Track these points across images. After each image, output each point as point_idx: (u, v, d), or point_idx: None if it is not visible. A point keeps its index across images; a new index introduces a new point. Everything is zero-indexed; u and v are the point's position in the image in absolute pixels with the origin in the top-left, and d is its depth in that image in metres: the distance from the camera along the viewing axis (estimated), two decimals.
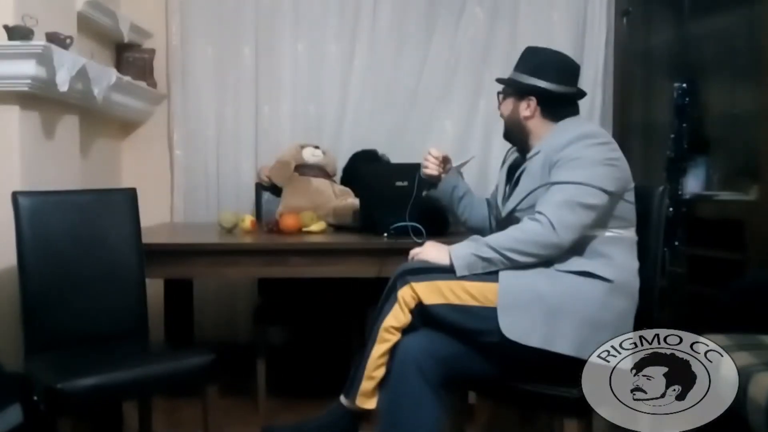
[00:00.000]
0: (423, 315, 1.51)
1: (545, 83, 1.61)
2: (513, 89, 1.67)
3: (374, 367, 1.52)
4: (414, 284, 1.51)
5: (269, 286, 2.51)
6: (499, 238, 1.51)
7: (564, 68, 1.65)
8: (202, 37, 2.84)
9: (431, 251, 1.57)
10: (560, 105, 1.63)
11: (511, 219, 1.60)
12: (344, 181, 2.62)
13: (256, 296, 2.64)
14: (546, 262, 1.50)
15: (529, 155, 1.62)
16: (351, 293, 2.43)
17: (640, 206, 1.58)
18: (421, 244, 1.63)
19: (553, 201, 1.48)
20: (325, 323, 2.66)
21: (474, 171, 2.74)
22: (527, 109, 1.63)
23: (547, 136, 1.60)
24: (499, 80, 1.72)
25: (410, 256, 1.61)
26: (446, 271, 1.54)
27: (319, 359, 2.76)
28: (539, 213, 1.48)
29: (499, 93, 1.72)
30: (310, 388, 2.44)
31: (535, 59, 1.66)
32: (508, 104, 1.68)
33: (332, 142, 2.84)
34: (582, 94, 1.68)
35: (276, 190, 2.59)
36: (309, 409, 1.66)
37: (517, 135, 1.67)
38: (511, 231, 1.52)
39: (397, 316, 1.52)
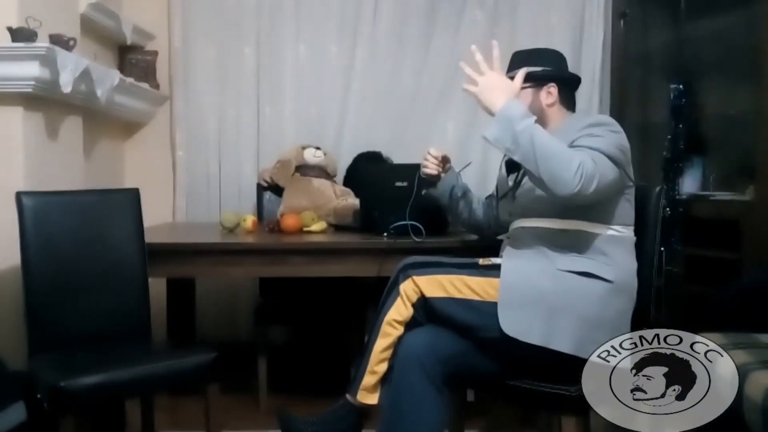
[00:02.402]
0: (425, 309, 1.53)
1: (561, 71, 1.66)
2: (531, 80, 1.64)
3: (377, 362, 1.54)
4: (416, 278, 1.53)
5: (270, 285, 2.52)
6: (542, 135, 1.43)
7: (561, 59, 1.72)
8: (204, 38, 2.86)
9: (488, 95, 1.48)
10: (573, 93, 1.68)
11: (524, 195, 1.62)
12: (347, 182, 2.63)
13: (258, 295, 2.65)
14: (548, 260, 1.51)
15: None
16: (351, 293, 2.45)
17: (637, 206, 1.60)
18: (420, 242, 1.61)
19: (584, 155, 1.44)
20: (325, 323, 2.67)
21: (474, 172, 2.76)
22: (549, 96, 1.64)
23: (559, 129, 1.60)
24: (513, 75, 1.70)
25: (472, 77, 1.50)
26: (448, 266, 1.56)
27: (319, 358, 2.78)
28: (575, 152, 1.43)
29: None
30: (311, 387, 2.45)
31: (534, 54, 1.69)
32: (526, 96, 1.64)
33: (333, 143, 2.86)
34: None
35: (277, 191, 2.60)
36: (309, 407, 1.68)
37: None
38: (557, 144, 1.44)
39: (399, 310, 1.53)
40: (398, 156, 2.76)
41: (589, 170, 1.41)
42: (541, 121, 1.63)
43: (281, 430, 1.61)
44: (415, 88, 2.89)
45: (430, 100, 2.89)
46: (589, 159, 1.43)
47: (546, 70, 1.66)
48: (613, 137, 1.52)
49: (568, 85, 1.68)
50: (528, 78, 1.62)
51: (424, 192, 1.87)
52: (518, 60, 1.70)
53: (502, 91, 1.48)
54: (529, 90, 1.65)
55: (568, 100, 1.67)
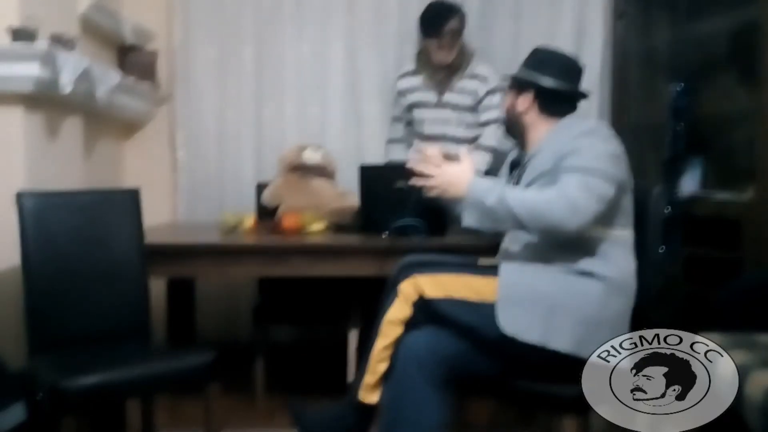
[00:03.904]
0: (425, 309, 1.53)
1: (542, 79, 1.64)
2: (514, 84, 1.70)
3: (377, 361, 1.55)
4: (416, 278, 1.53)
5: (269, 285, 2.53)
6: (516, 197, 1.47)
7: (565, 67, 1.68)
8: (205, 38, 2.87)
9: (452, 189, 1.53)
10: (557, 102, 1.66)
11: None
12: (423, 28, 2.47)
13: (257, 295, 2.66)
14: (546, 260, 1.52)
15: (530, 153, 1.65)
16: (351, 293, 2.45)
17: (637, 206, 1.60)
18: (421, 241, 1.63)
19: (572, 183, 1.46)
20: (324, 322, 2.67)
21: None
22: (524, 103, 1.66)
23: (549, 134, 1.63)
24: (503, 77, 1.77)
25: (429, 179, 1.55)
26: (448, 266, 1.56)
27: (318, 358, 2.78)
28: (561, 190, 1.45)
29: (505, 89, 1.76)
30: (310, 386, 2.45)
31: (539, 57, 1.71)
32: (509, 98, 1.72)
33: (334, 143, 2.86)
34: (583, 95, 1.71)
35: None
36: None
37: (515, 129, 1.71)
38: (533, 195, 1.48)
39: (399, 310, 1.54)
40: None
41: (580, 201, 1.43)
42: (517, 124, 1.68)
43: (293, 421, 1.62)
44: None
45: None
46: (579, 188, 1.45)
47: (523, 78, 1.66)
48: (603, 146, 1.53)
49: (555, 96, 1.65)
50: (512, 79, 1.70)
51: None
52: (530, 60, 1.71)
53: (459, 178, 1.53)
54: (512, 93, 1.70)
55: (550, 109, 1.65)
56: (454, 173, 1.54)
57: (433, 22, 2.43)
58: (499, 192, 1.48)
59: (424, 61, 2.54)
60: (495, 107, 2.46)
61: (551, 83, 1.64)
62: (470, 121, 2.52)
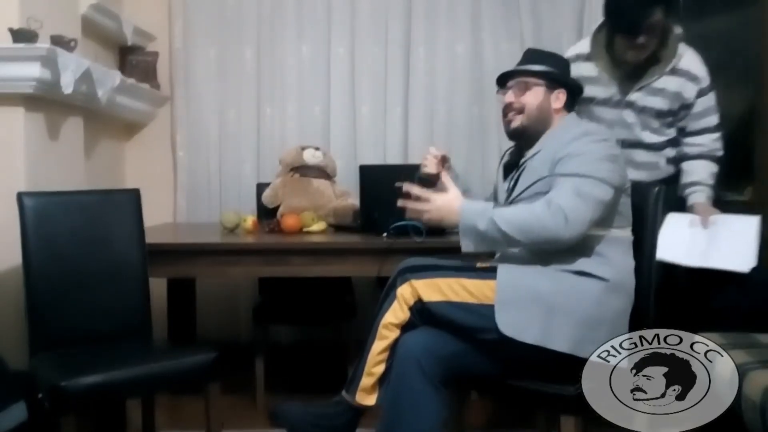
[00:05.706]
0: (422, 312, 1.53)
1: (570, 78, 1.70)
2: (546, 80, 1.66)
3: (374, 364, 1.55)
4: (414, 282, 1.53)
5: (270, 285, 2.53)
6: (506, 217, 1.48)
7: (569, 68, 1.75)
8: (205, 39, 2.87)
9: (444, 219, 1.55)
10: (576, 98, 1.72)
11: None
12: (613, 20, 1.93)
13: (257, 295, 2.66)
14: (544, 260, 1.52)
15: (528, 154, 1.65)
16: (350, 292, 2.45)
17: (636, 206, 1.61)
18: (420, 242, 1.63)
19: (564, 191, 1.47)
20: (324, 322, 2.68)
21: (475, 173, 2.79)
22: (557, 100, 1.66)
23: (548, 133, 1.63)
24: (527, 71, 1.67)
25: (420, 213, 1.56)
26: (446, 269, 1.57)
27: (318, 358, 2.78)
28: (551, 202, 1.46)
29: (513, 83, 1.67)
30: (310, 386, 2.46)
31: (551, 57, 1.72)
32: (537, 94, 1.65)
33: (334, 143, 2.87)
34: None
35: None
36: None
37: (536, 128, 1.65)
38: (522, 212, 1.49)
39: (396, 313, 1.54)
40: (401, 157, 2.79)
41: (572, 210, 1.44)
42: (545, 121, 1.66)
43: (272, 415, 1.61)
44: (417, 88, 2.88)
45: (433, 101, 2.89)
46: (571, 196, 1.45)
47: (556, 74, 1.67)
48: (598, 148, 1.53)
49: (573, 93, 1.70)
50: (544, 76, 1.66)
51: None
52: (533, 58, 1.71)
53: (450, 206, 1.54)
54: (542, 89, 1.66)
55: (571, 105, 1.70)
56: (443, 204, 1.55)
57: (627, 17, 1.84)
58: (489, 215, 1.49)
59: (603, 47, 1.97)
60: (713, 110, 1.97)
61: (577, 83, 1.71)
62: (655, 127, 1.98)
